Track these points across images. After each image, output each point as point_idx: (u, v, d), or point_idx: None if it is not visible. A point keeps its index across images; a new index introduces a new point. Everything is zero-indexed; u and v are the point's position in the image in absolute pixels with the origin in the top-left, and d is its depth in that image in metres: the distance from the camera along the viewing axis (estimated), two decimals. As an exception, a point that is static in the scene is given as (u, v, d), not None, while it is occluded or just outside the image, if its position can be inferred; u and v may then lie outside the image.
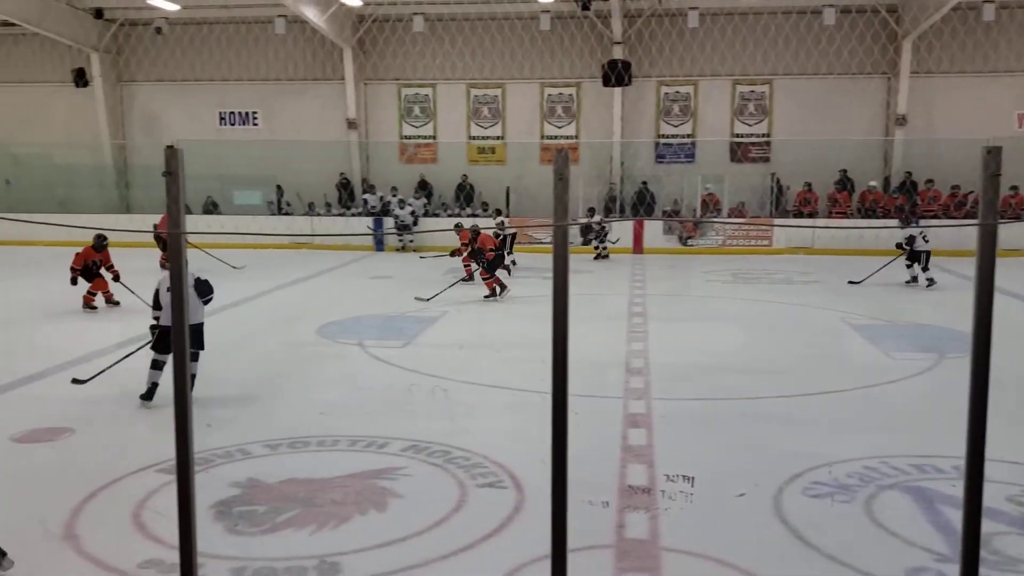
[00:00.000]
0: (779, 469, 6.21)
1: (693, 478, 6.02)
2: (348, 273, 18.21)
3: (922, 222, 17.72)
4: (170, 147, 2.63)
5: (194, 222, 20.25)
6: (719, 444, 6.97)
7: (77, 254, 13.16)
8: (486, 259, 14.58)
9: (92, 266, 13.15)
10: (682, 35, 22.55)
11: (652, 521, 5.37)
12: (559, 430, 2.89)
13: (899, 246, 15.79)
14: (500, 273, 14.83)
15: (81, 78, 24.25)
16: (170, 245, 2.76)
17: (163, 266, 17.02)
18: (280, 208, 23.98)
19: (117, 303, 13.37)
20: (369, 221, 22.74)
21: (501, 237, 15.17)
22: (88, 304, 13.15)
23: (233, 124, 25.09)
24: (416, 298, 14.06)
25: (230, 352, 10.22)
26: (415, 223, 22.06)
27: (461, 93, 24.45)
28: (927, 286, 15.39)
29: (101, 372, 8.64)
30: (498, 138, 24.56)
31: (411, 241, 22.34)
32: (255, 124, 25.04)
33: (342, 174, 24.46)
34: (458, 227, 16.97)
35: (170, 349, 8.36)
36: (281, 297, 14.93)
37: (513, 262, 17.91)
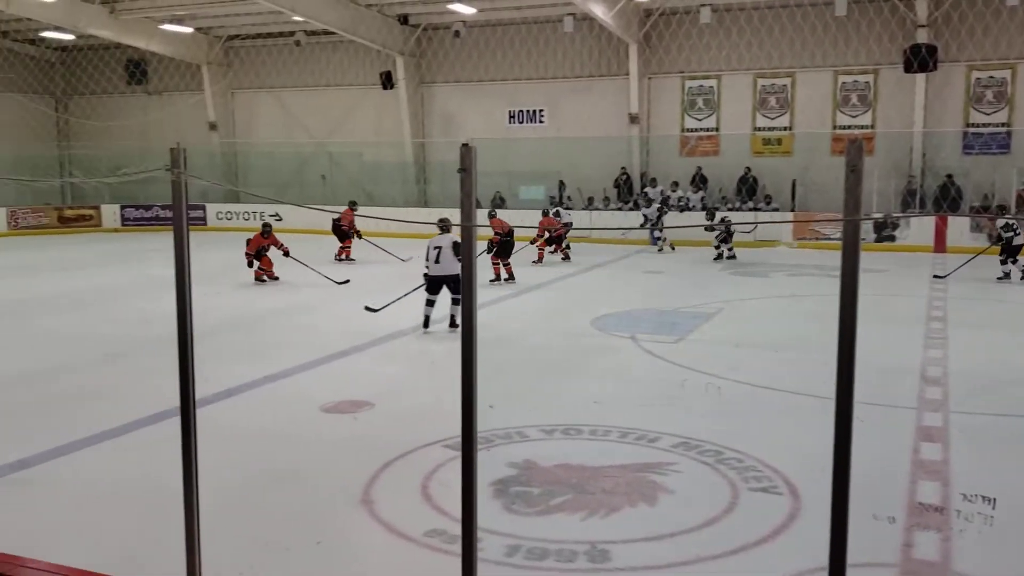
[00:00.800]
0: (1102, 500, 5.51)
1: (994, 500, 5.48)
2: (623, 267, 18.35)
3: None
4: (465, 145, 2.79)
5: (483, 216, 21.31)
6: (1028, 466, 6.29)
7: (249, 241, 15.83)
8: (493, 243, 15.49)
9: (262, 249, 15.74)
10: (998, 15, 20.45)
11: (944, 543, 4.97)
12: (842, 438, 2.75)
13: (997, 239, 15.95)
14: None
15: (388, 81, 26.27)
16: (462, 236, 2.94)
17: (338, 258, 18.30)
18: (561, 202, 24.64)
19: (277, 278, 15.75)
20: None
21: (509, 229, 15.55)
22: (259, 278, 15.71)
23: (521, 122, 26.07)
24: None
25: (511, 339, 10.69)
26: (658, 219, 21.31)
27: (747, 84, 23.76)
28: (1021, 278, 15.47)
29: (388, 304, 11.37)
30: (785, 129, 23.62)
31: (664, 240, 21.19)
32: (541, 121, 25.86)
33: (623, 168, 24.67)
34: (491, 215, 17.16)
35: (436, 291, 10.74)
36: (559, 289, 15.35)
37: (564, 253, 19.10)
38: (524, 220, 21.86)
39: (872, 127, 22.65)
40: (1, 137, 27.38)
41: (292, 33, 26.60)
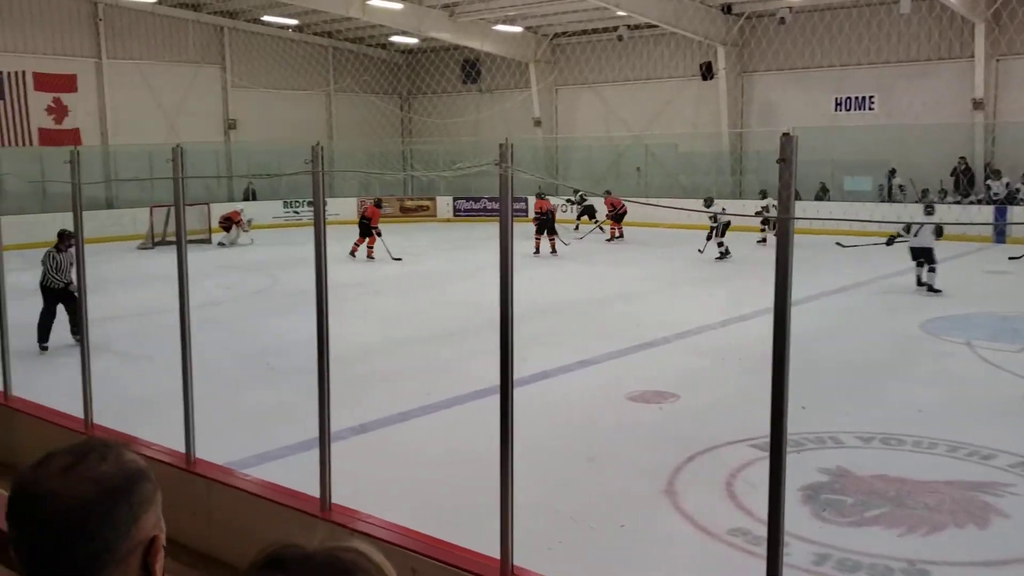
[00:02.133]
0: None
1: None
2: (960, 266, 16.74)
3: None
4: (785, 134, 2.73)
5: (803, 207, 20.47)
6: None
7: (368, 213, 18.51)
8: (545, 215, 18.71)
9: (366, 221, 18.37)
10: None
11: None
12: None
13: None
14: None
15: (708, 71, 25.97)
16: (779, 229, 2.88)
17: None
18: (890, 194, 22.97)
19: (372, 258, 18.01)
20: (990, 210, 20.58)
21: (547, 209, 18.66)
22: (370, 256, 18.03)
23: (848, 109, 24.63)
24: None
25: (829, 337, 10.18)
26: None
27: (1124, 62, 20.68)
28: None
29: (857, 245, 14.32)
30: None
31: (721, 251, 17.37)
32: (871, 108, 24.26)
33: (961, 158, 22.49)
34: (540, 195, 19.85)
35: (917, 258, 13.66)
36: (883, 286, 14.37)
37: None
38: (847, 212, 20.59)
39: None
40: (356, 134, 30.58)
41: (615, 28, 27.03)
